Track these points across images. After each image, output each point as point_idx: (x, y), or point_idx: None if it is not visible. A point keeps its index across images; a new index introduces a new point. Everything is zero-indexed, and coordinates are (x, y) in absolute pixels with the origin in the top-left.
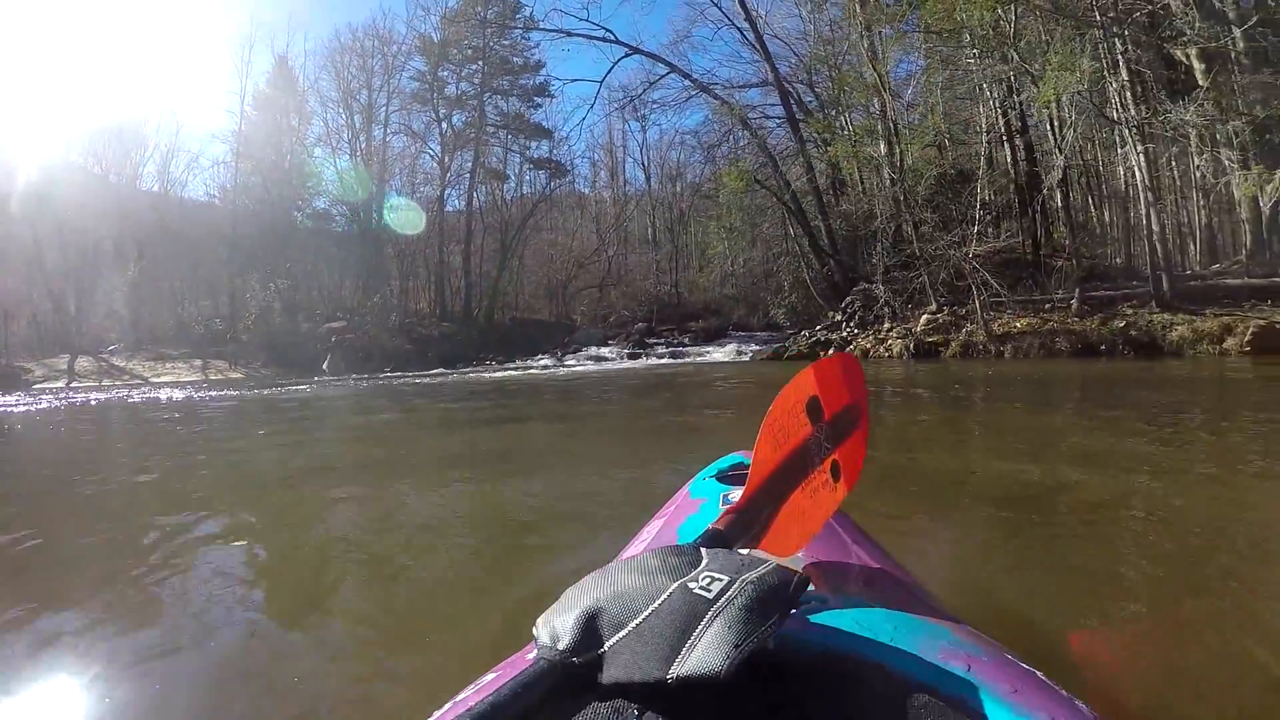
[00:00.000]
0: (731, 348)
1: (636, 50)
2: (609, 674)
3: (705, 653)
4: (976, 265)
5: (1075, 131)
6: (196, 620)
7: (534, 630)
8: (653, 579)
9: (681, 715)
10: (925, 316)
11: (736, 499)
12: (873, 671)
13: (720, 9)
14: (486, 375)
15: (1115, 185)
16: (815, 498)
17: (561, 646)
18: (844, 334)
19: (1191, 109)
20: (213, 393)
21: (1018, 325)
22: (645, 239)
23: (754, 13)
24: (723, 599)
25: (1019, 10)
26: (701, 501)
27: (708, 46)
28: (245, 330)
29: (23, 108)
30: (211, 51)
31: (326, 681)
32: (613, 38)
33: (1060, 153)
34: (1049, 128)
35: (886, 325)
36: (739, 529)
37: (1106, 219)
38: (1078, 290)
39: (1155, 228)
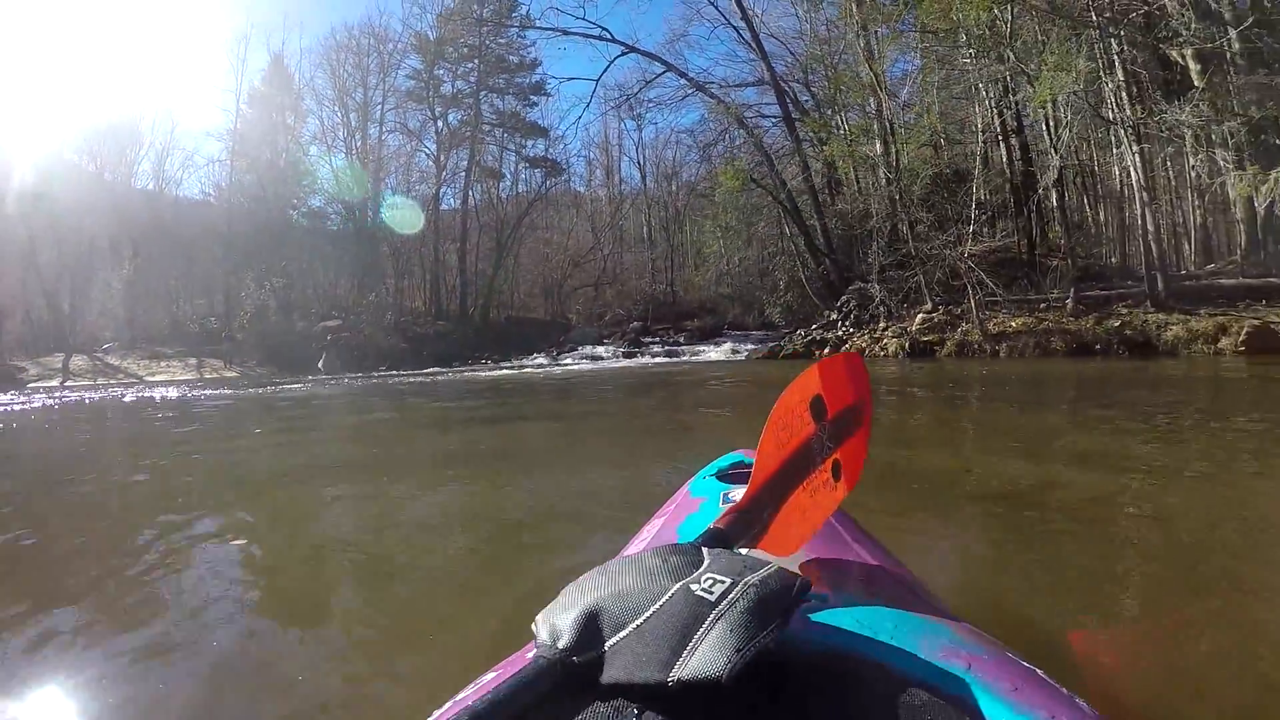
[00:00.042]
0: (727, 347)
1: (633, 49)
2: (609, 674)
3: (706, 656)
4: (972, 265)
5: (1071, 131)
6: (193, 619)
7: (533, 627)
8: (654, 579)
9: (681, 714)
10: (920, 316)
11: (736, 498)
12: (873, 670)
13: (717, 8)
14: (482, 374)
15: (1110, 185)
16: (816, 497)
17: (561, 645)
18: (839, 333)
19: (1187, 109)
20: (207, 391)
21: (1013, 325)
22: (640, 238)
23: (750, 12)
24: (724, 602)
25: (1015, 10)
26: (702, 500)
27: (704, 45)
28: (240, 329)
29: (18, 105)
30: (207, 49)
31: (325, 680)
32: (609, 36)
33: (1056, 153)
34: (1044, 128)
35: (882, 324)
36: (740, 528)
37: (1102, 219)
38: (1073, 290)
39: (1150, 228)
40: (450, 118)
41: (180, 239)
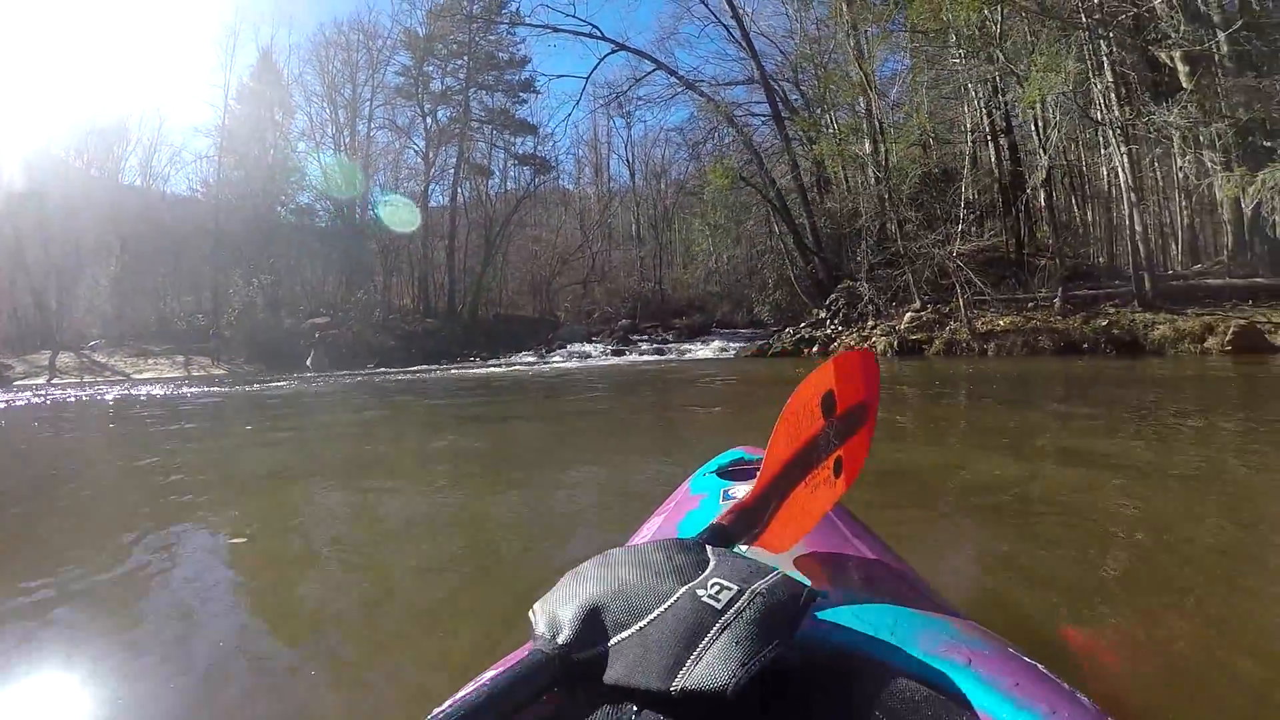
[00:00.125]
0: (716, 345)
1: (623, 47)
2: (609, 675)
3: (711, 668)
4: (960, 264)
5: (1059, 132)
6: (180, 620)
7: (530, 617)
8: (659, 579)
9: (681, 713)
10: (909, 314)
11: (737, 495)
12: (873, 666)
13: (707, 6)
14: (471, 372)
15: (1099, 185)
16: (816, 494)
17: (561, 641)
18: (828, 331)
19: (1175, 111)
20: (195, 389)
21: (1001, 323)
22: (629, 236)
23: (740, 10)
24: (731, 611)
25: (1005, 11)
26: (702, 497)
27: (694, 44)
28: (228, 326)
29: (4, 101)
30: (195, 44)
31: (318, 681)
32: (599, 34)
33: (1044, 153)
34: (1033, 128)
35: (871, 323)
36: (744, 525)
37: (1090, 219)
38: (1060, 289)
39: (1138, 228)
40: (439, 114)
41: (168, 236)
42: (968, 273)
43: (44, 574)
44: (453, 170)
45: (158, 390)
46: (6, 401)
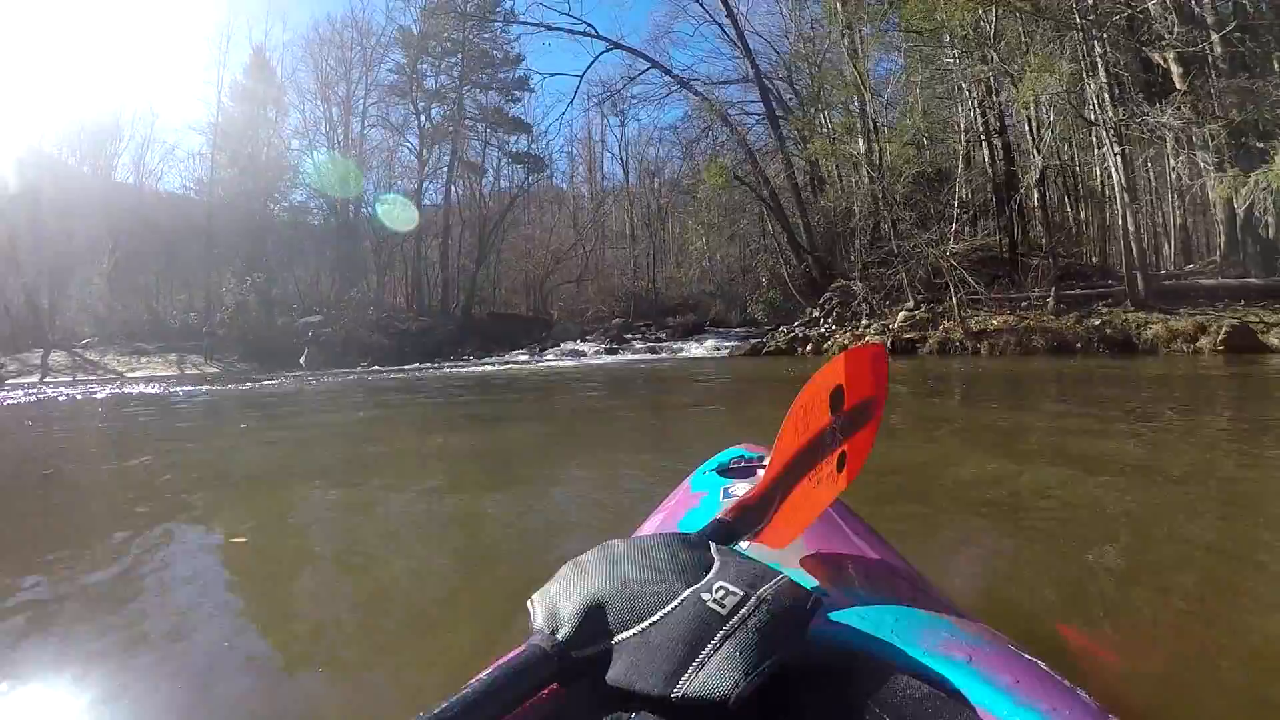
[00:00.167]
0: (710, 343)
1: (617, 45)
2: (609, 675)
3: (713, 676)
4: (954, 263)
5: (1053, 132)
6: (172, 621)
7: (529, 607)
8: (663, 579)
9: (679, 712)
10: (903, 313)
11: (737, 493)
12: (873, 664)
13: (702, 5)
14: (464, 370)
15: (1092, 185)
16: (818, 489)
17: (560, 637)
18: (822, 330)
19: (1168, 112)
20: (187, 388)
21: (994, 323)
22: (623, 234)
23: (735, 9)
24: (735, 618)
25: (999, 12)
26: (702, 495)
27: (688, 43)
28: (221, 325)
29: None
30: (188, 40)
31: (313, 681)
32: (593, 32)
33: (1038, 153)
34: (1027, 128)
35: (864, 322)
36: (747, 521)
37: (1083, 219)
38: (1054, 289)
39: (1131, 228)
40: (433, 112)
41: (161, 233)
42: (961, 272)
43: (36, 573)
44: (446, 168)
45: (150, 389)
46: None
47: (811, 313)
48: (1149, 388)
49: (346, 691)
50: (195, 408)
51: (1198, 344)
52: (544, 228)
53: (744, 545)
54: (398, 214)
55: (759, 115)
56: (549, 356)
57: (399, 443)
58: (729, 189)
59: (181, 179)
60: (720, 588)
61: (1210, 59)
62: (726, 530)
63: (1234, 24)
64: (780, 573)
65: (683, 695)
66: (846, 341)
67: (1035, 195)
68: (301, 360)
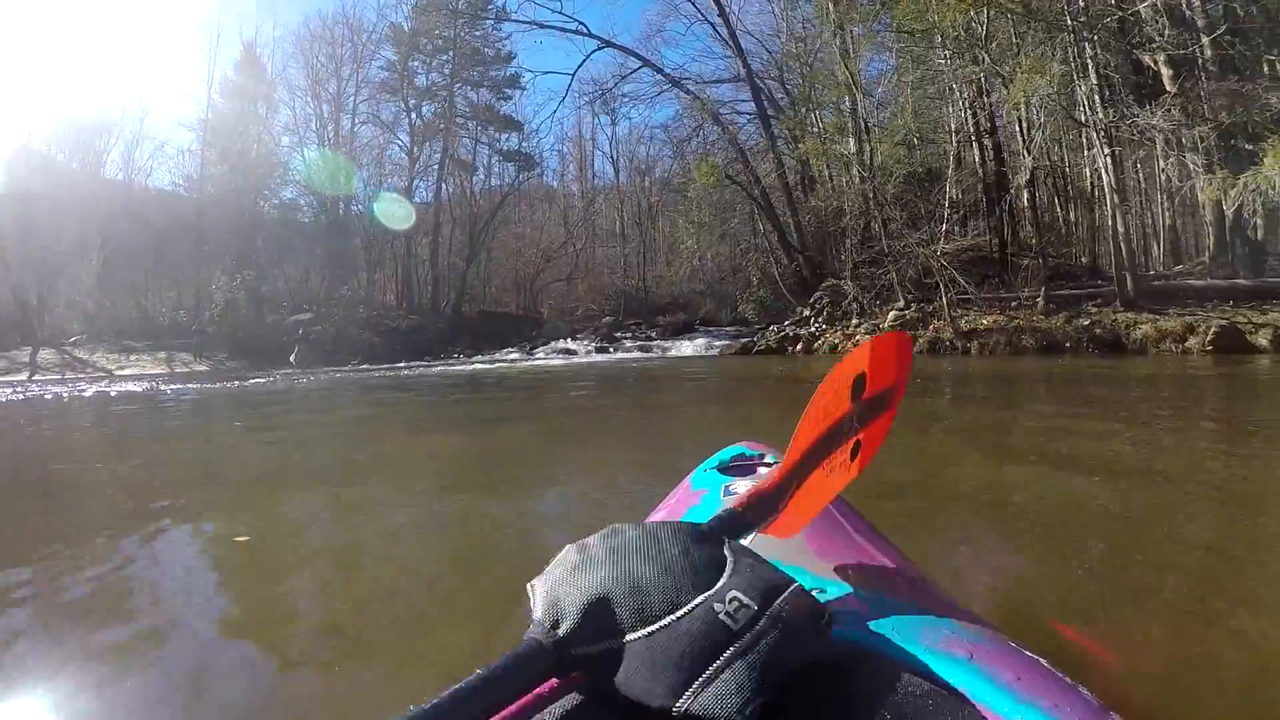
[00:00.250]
0: (700, 342)
1: (609, 44)
2: (613, 679)
3: (721, 695)
4: (944, 263)
5: (1043, 133)
6: (171, 620)
7: (529, 592)
8: (673, 580)
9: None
10: (893, 313)
11: (738, 490)
12: (874, 661)
13: (694, 4)
14: (455, 369)
15: (1082, 186)
16: (831, 477)
17: (561, 632)
18: (812, 329)
19: (1158, 114)
20: (176, 386)
21: (984, 322)
22: (613, 233)
23: (727, 9)
24: (749, 636)
25: (991, 13)
26: (703, 493)
27: (680, 41)
28: (211, 322)
29: None
30: (178, 36)
31: (309, 682)
32: (585, 30)
33: (1028, 153)
34: (1018, 129)
35: (854, 321)
36: (760, 512)
37: (1073, 219)
38: (1043, 289)
39: (1120, 229)
40: (424, 110)
41: (150, 230)
42: (951, 272)
43: (26, 573)
44: (437, 166)
45: (139, 387)
46: None
47: (802, 312)
48: (1139, 387)
49: (344, 691)
50: (184, 406)
51: (1186, 344)
52: (534, 226)
53: (750, 540)
54: (395, 212)
55: (750, 114)
56: (540, 355)
57: (393, 442)
58: (720, 188)
59: (171, 176)
60: (734, 598)
61: (1200, 62)
62: (740, 521)
63: (1224, 27)
64: (793, 581)
65: (686, 710)
66: (837, 341)
67: (1025, 196)
68: (291, 358)
